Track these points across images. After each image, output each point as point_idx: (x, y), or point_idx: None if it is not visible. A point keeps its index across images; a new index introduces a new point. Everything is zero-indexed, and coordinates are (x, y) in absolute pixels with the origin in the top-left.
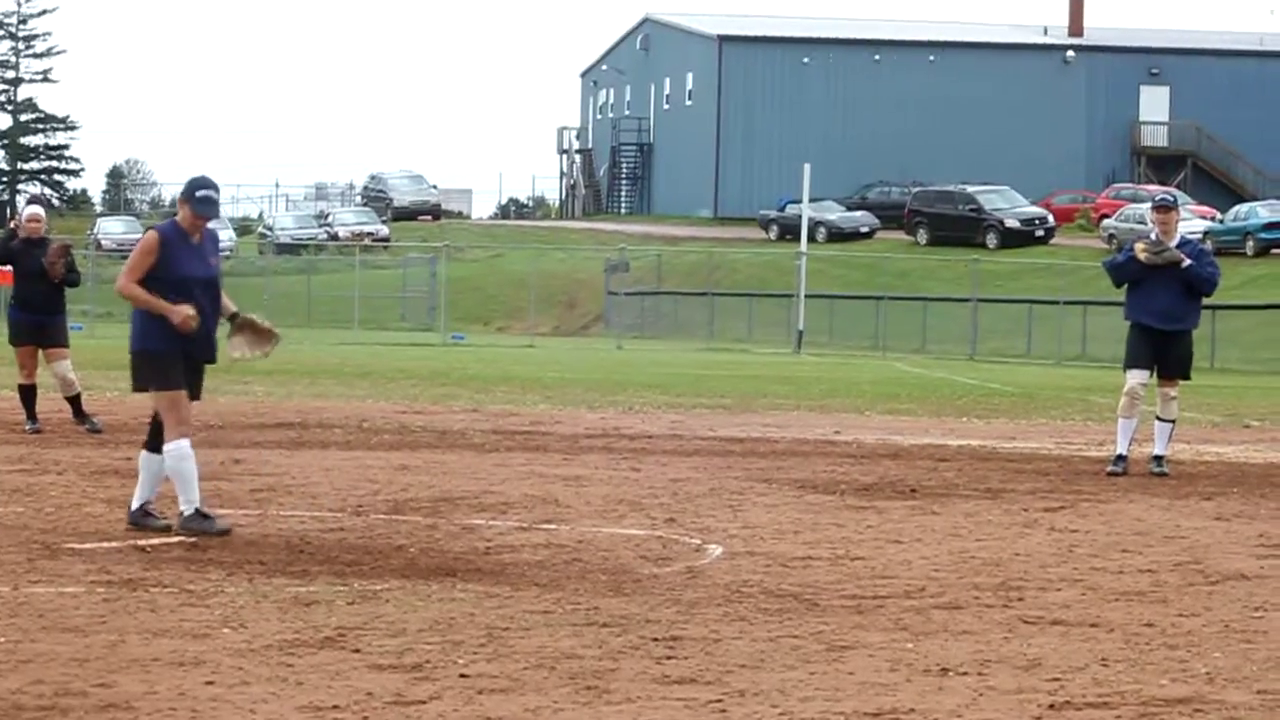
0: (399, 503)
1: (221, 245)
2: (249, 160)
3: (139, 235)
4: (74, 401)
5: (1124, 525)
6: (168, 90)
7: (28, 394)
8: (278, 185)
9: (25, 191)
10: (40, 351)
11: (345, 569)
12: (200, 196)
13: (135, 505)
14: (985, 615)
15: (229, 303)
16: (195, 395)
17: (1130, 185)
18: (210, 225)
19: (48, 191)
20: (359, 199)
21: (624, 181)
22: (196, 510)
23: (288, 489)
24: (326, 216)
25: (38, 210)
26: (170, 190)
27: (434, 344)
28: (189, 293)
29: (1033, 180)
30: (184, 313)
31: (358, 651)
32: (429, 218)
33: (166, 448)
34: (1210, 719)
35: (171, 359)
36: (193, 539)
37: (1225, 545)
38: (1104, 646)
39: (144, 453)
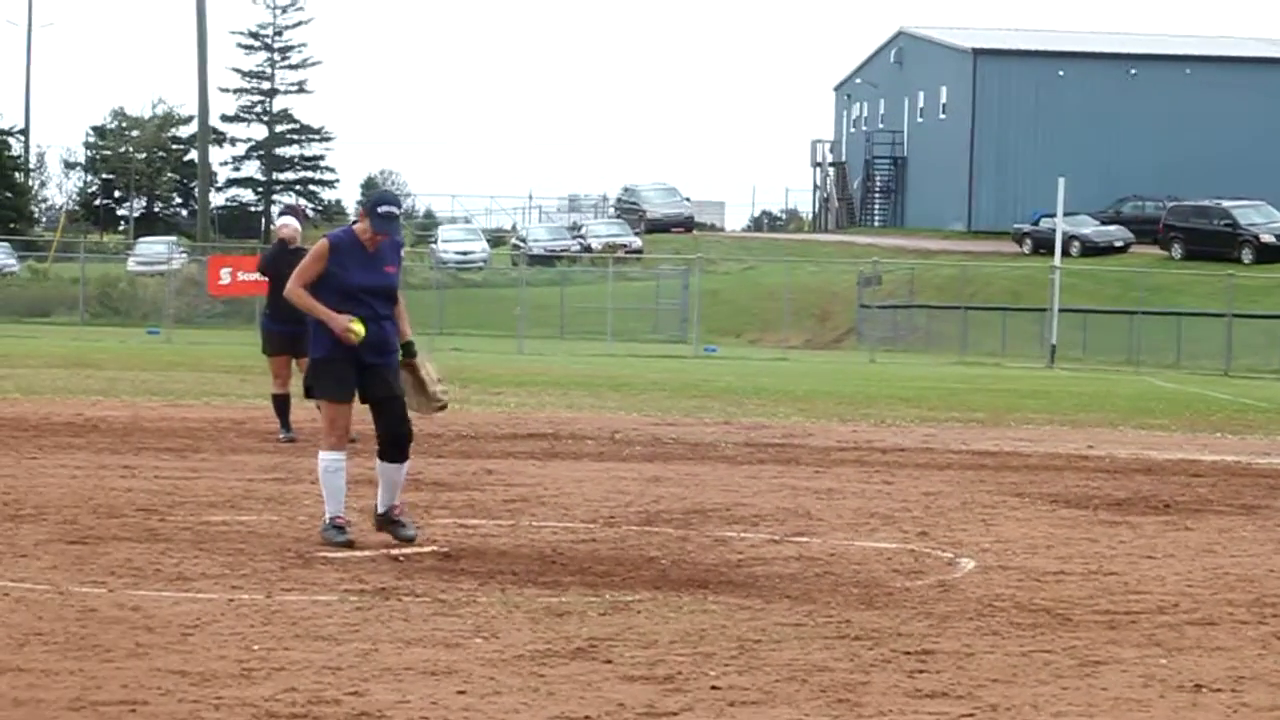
0: (651, 514)
1: (475, 256)
2: (503, 171)
3: None
4: None
5: None
6: (422, 102)
7: (282, 403)
8: (531, 196)
9: (280, 201)
10: (294, 361)
11: (597, 580)
12: (382, 212)
13: (380, 511)
14: (1239, 632)
15: (406, 327)
16: (390, 393)
17: None
18: (467, 237)
19: (302, 201)
20: (612, 211)
21: (877, 195)
22: (331, 522)
23: (540, 500)
24: (580, 228)
25: (287, 220)
26: (424, 201)
27: (686, 356)
28: (360, 301)
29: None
30: (344, 322)
31: (609, 662)
32: (682, 230)
33: (319, 455)
34: None
35: (341, 366)
36: (399, 549)
37: None
38: None
39: (378, 462)
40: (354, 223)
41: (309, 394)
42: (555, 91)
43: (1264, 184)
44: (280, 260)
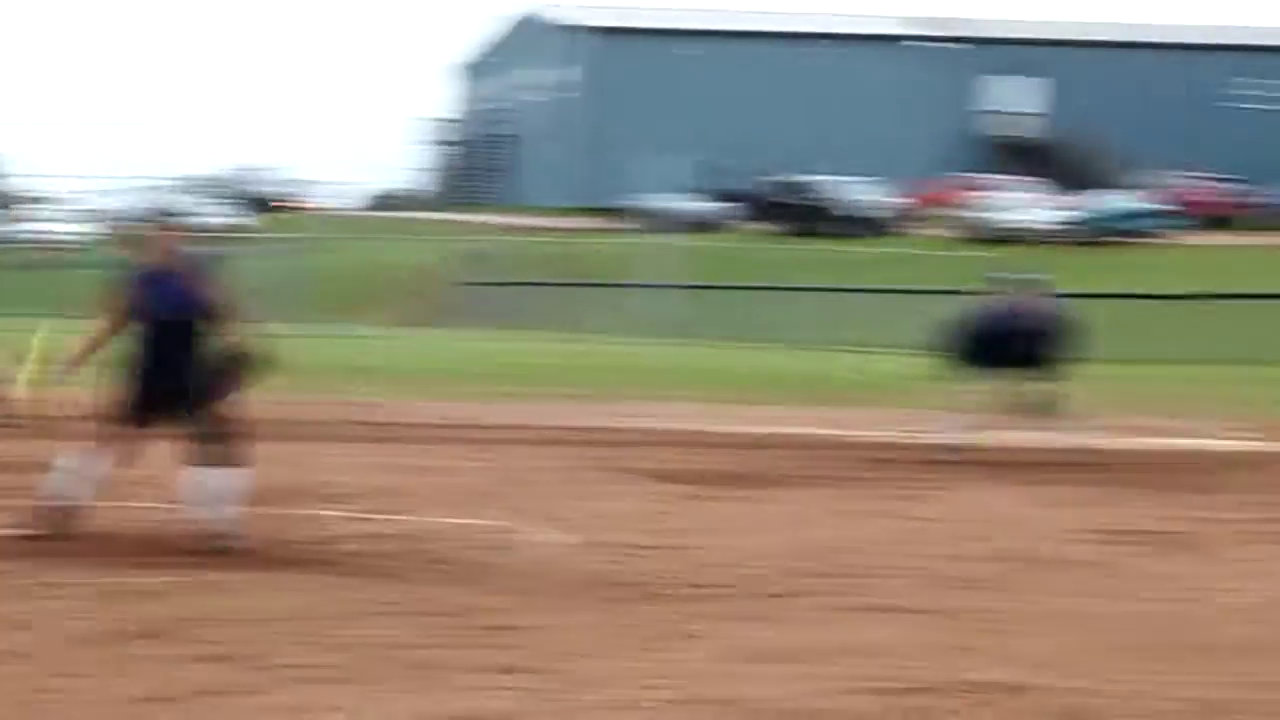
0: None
1: (68, 238)
2: (93, 152)
3: None
4: None
5: (969, 513)
6: None
7: None
8: (129, 176)
9: None
10: None
11: (185, 560)
12: None
13: None
14: (819, 603)
15: None
16: None
17: (985, 175)
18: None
19: None
20: (221, 192)
21: (488, 172)
22: None
23: (136, 481)
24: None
25: None
26: (15, 182)
27: (294, 336)
28: None
29: (888, 170)
30: None
31: (190, 642)
32: (292, 208)
33: None
34: (1035, 702)
35: None
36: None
37: (1062, 533)
38: (938, 634)
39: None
40: None
41: None
42: (152, 70)
43: (863, 160)
44: None
